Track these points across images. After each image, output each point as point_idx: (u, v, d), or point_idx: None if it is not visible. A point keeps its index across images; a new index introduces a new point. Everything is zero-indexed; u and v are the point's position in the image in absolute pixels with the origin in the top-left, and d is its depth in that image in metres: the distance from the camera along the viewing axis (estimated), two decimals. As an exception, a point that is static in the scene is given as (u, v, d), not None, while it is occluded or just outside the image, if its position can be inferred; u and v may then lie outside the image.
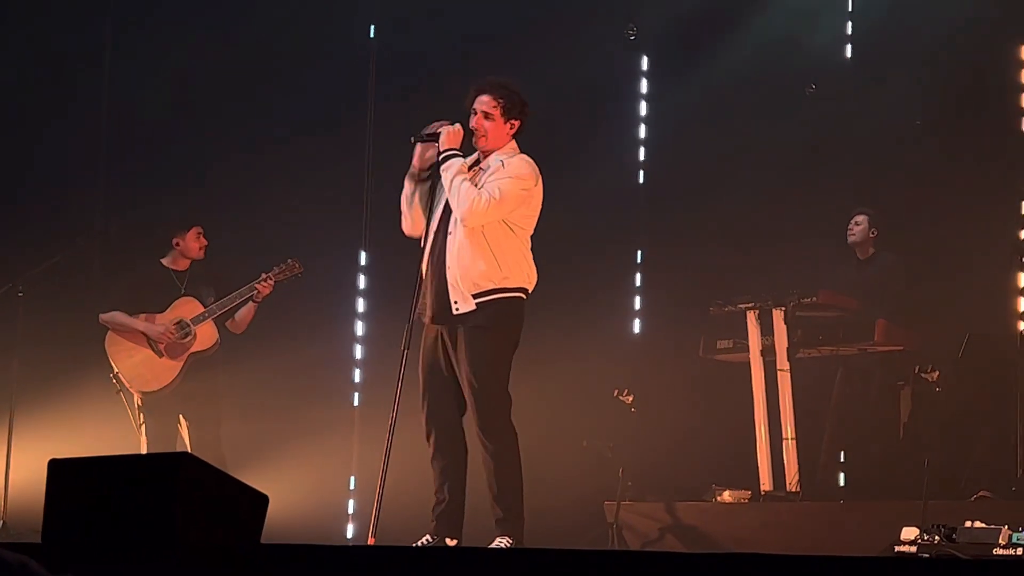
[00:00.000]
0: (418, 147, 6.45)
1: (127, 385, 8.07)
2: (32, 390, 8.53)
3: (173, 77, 9.46)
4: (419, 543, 6.28)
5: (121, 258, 9.08)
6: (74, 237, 8.91)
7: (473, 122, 6.40)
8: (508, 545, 6.13)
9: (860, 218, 8.82)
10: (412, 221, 6.52)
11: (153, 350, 8.06)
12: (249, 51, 9.41)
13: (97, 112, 9.67)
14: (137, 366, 8.08)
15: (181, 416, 8.12)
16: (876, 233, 8.80)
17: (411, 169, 6.49)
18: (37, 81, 9.30)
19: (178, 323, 8.07)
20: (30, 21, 9.32)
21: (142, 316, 8.10)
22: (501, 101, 6.38)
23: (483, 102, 6.39)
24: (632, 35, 9.78)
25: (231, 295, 8.08)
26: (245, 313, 8.16)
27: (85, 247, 9.06)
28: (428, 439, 6.39)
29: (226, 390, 8.31)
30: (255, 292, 8.05)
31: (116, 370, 8.08)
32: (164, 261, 8.28)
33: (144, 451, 7.91)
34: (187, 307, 8.12)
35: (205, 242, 8.27)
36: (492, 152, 6.42)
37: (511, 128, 6.42)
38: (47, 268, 8.55)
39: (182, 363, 8.04)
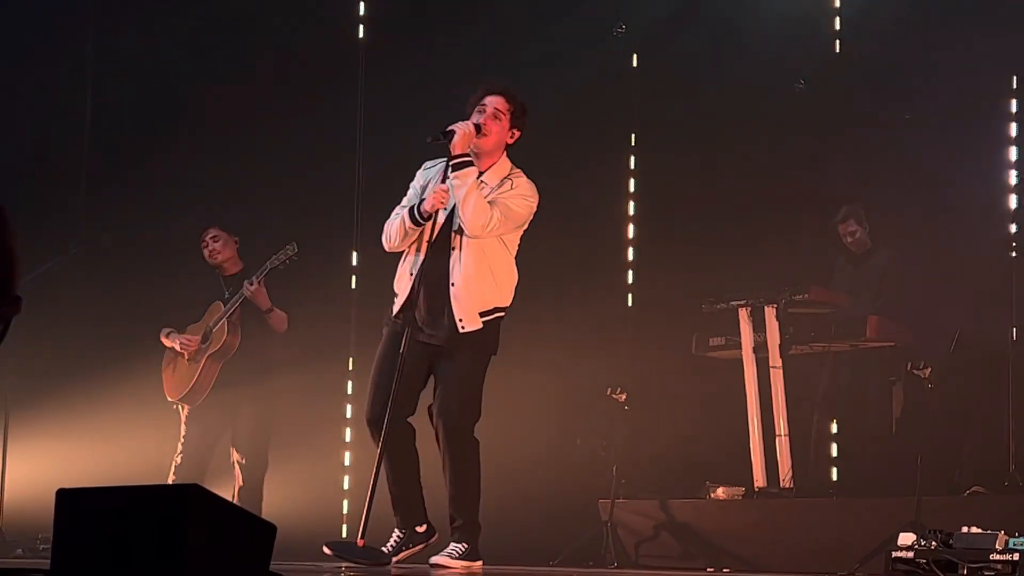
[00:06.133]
0: (439, 190, 6.11)
1: (166, 395, 8.15)
2: (26, 400, 8.51)
3: (158, 79, 9.44)
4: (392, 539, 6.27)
5: (115, 265, 9.07)
6: (65, 243, 8.89)
7: (482, 119, 6.19)
8: (464, 550, 6.14)
9: (851, 224, 8.85)
10: (399, 245, 6.30)
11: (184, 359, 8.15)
12: (238, 53, 9.41)
13: (81, 117, 9.65)
14: (169, 376, 8.20)
15: (233, 450, 8.17)
16: (868, 227, 8.84)
17: (423, 208, 6.17)
18: (20, 81, 9.26)
19: (205, 331, 8.11)
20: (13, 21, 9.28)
21: (189, 328, 8.18)
22: (512, 106, 6.24)
23: (497, 102, 6.22)
24: (620, 32, 9.75)
25: (234, 298, 8.08)
26: (274, 318, 8.12)
27: (78, 254, 9.04)
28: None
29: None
30: (245, 296, 8.03)
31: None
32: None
33: (177, 461, 8.05)
34: (215, 313, 8.16)
35: (209, 244, 8.24)
36: (487, 159, 6.24)
37: (511, 137, 6.28)
38: (40, 275, 8.54)
39: (200, 366, 8.04)
